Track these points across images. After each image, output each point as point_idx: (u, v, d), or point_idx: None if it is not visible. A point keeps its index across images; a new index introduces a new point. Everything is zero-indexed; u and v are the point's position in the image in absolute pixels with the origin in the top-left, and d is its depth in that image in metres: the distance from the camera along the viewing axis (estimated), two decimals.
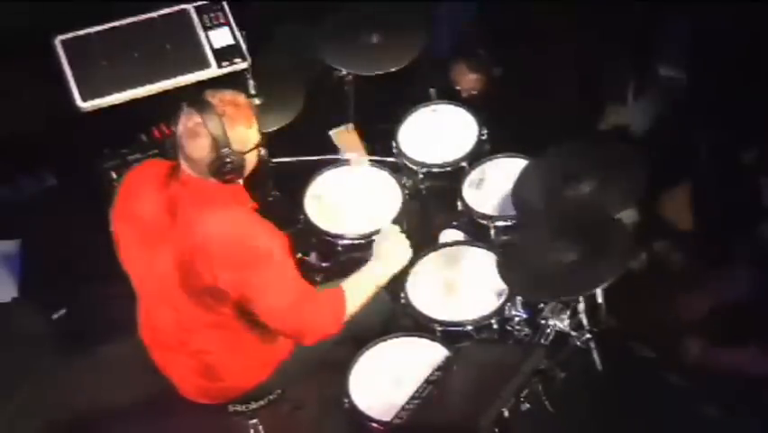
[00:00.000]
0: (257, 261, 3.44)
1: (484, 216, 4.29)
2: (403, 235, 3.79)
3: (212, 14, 4.64)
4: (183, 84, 4.53)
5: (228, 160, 3.41)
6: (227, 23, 4.63)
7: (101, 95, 4.45)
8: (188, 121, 3.43)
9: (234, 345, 3.61)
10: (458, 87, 5.14)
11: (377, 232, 4.22)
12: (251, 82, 4.52)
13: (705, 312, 4.15)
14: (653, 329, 4.33)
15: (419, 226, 4.48)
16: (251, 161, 3.52)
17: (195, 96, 3.46)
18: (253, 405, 3.82)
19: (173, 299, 3.58)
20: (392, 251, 3.76)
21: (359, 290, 3.65)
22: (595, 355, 4.13)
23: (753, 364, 3.95)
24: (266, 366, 3.73)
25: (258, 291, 3.46)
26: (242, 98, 3.50)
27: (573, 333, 4.04)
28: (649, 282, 4.47)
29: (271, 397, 3.83)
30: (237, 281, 3.45)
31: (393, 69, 4.56)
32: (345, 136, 4.89)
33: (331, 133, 4.93)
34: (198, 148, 3.42)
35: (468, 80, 5.14)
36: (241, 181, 3.55)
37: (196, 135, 3.41)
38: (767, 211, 4.06)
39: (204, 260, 3.45)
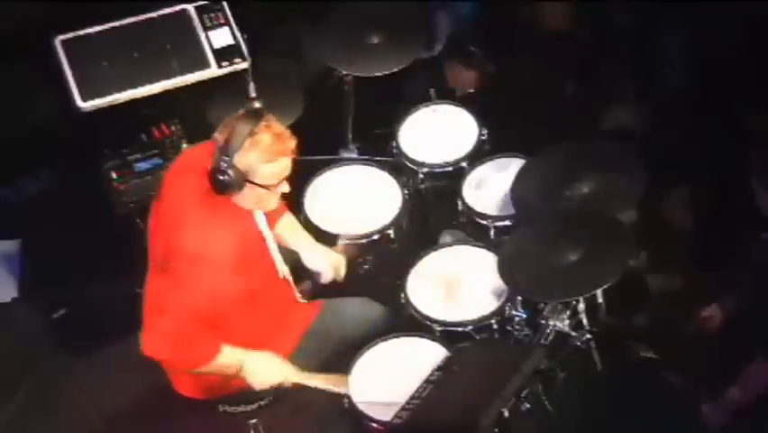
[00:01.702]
0: (182, 269, 3.46)
1: (484, 216, 4.29)
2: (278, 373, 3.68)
3: (212, 14, 4.64)
4: (183, 84, 4.53)
5: (222, 169, 3.41)
6: (227, 23, 4.64)
7: (101, 95, 4.46)
8: (230, 118, 3.46)
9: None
10: (453, 86, 5.14)
11: (377, 231, 4.24)
12: (252, 84, 4.51)
13: (712, 322, 4.14)
14: (653, 330, 4.34)
15: (419, 226, 4.48)
16: (255, 193, 3.49)
17: (252, 107, 3.53)
18: (243, 408, 3.83)
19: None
20: (265, 372, 3.65)
21: (227, 359, 3.59)
22: (595, 355, 4.13)
23: (761, 376, 3.92)
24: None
25: (170, 284, 3.49)
26: (289, 140, 3.47)
27: (573, 333, 4.05)
28: (649, 282, 4.47)
29: (262, 402, 3.83)
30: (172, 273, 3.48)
31: (393, 70, 4.55)
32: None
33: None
34: (216, 142, 3.45)
35: (463, 78, 5.13)
36: (241, 203, 3.53)
37: (223, 129, 3.44)
38: (759, 212, 4.06)
39: (172, 252, 3.49)
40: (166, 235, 3.54)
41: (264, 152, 3.43)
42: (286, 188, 3.58)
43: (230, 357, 3.60)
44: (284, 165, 3.49)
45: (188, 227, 3.48)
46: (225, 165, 3.41)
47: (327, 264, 3.90)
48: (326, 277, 3.92)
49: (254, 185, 3.46)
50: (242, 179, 3.44)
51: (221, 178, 3.42)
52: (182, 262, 3.46)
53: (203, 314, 3.50)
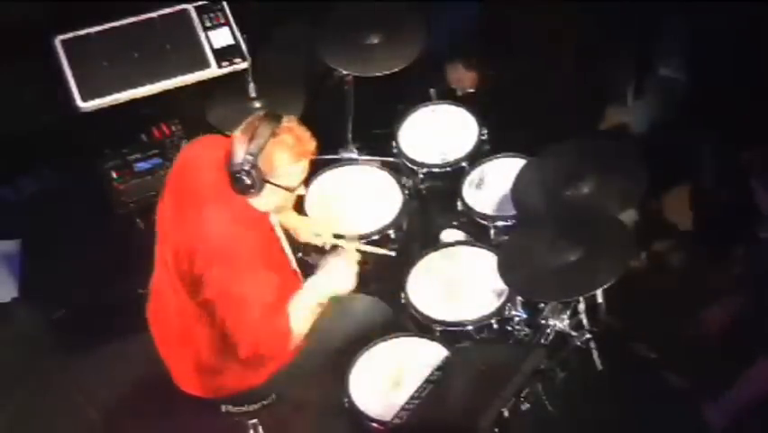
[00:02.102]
0: (236, 267, 3.43)
1: (484, 216, 4.29)
2: (356, 263, 3.69)
3: (212, 14, 4.64)
4: (183, 84, 4.53)
5: (244, 169, 3.40)
6: (227, 23, 4.64)
7: (101, 95, 4.45)
8: (253, 118, 3.46)
9: (227, 344, 3.61)
10: (454, 86, 5.14)
11: (377, 231, 4.24)
12: (252, 85, 4.51)
13: (714, 322, 4.14)
14: (653, 330, 4.34)
15: (419, 226, 4.48)
16: (275, 195, 3.49)
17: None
18: (246, 408, 3.82)
19: (175, 288, 3.59)
20: (341, 272, 3.65)
21: (303, 309, 3.57)
22: (595, 355, 4.13)
23: (762, 376, 3.91)
24: (260, 372, 3.72)
25: (225, 295, 3.45)
26: (310, 142, 3.49)
27: (573, 333, 4.04)
28: (649, 282, 4.47)
29: (265, 402, 3.83)
30: (212, 280, 3.44)
31: (393, 70, 4.55)
32: None
33: None
34: (237, 141, 3.44)
35: (464, 78, 5.13)
36: (259, 206, 3.52)
37: (246, 131, 3.43)
38: (759, 211, 4.06)
39: (193, 252, 3.46)
40: (187, 241, 3.49)
41: (287, 154, 3.44)
42: (303, 190, 3.58)
43: (300, 309, 3.56)
44: (304, 167, 3.51)
45: (212, 229, 3.45)
46: (249, 165, 3.41)
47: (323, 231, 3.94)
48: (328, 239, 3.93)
49: (274, 186, 3.47)
50: (263, 180, 3.44)
51: (243, 178, 3.42)
52: (217, 270, 3.43)
53: (262, 304, 3.47)
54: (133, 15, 4.61)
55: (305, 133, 3.49)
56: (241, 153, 3.42)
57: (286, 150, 3.44)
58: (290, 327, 3.53)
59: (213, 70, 4.56)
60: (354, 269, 3.66)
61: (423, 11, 4.87)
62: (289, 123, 3.46)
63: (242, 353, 3.51)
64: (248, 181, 3.43)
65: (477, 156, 4.47)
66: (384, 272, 4.28)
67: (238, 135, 3.46)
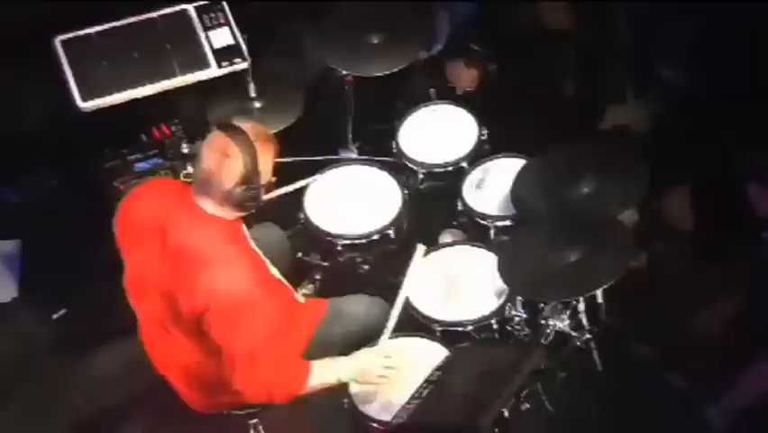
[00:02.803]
0: (239, 312, 3.42)
1: (484, 216, 4.29)
2: (390, 365, 3.70)
3: (212, 14, 4.64)
4: (183, 84, 4.53)
5: (254, 187, 3.41)
6: (227, 23, 4.63)
7: (101, 95, 4.45)
8: (218, 139, 3.41)
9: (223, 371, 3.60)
10: (454, 85, 5.14)
11: (377, 231, 4.24)
12: (252, 85, 4.51)
13: (714, 322, 4.14)
14: (653, 330, 4.34)
15: (419, 226, 4.48)
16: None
17: (223, 121, 3.45)
18: (248, 409, 3.83)
19: (166, 325, 3.59)
20: (371, 370, 3.68)
21: (322, 377, 3.61)
22: (595, 355, 4.13)
23: (763, 376, 3.91)
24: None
25: (229, 339, 3.44)
26: (267, 130, 3.51)
27: (573, 333, 4.05)
28: (650, 282, 4.47)
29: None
30: (215, 325, 3.43)
31: (393, 70, 4.55)
32: None
33: None
34: (229, 173, 3.40)
35: (464, 77, 5.14)
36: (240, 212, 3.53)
37: (225, 153, 3.39)
38: (759, 211, 4.06)
39: (190, 299, 3.44)
40: (183, 282, 3.46)
41: (268, 151, 3.46)
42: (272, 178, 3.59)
43: (321, 372, 3.61)
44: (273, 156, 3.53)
45: (208, 276, 3.41)
46: (258, 179, 3.41)
47: None
48: None
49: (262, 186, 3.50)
50: (262, 186, 3.46)
51: (251, 193, 3.42)
52: (227, 312, 3.42)
53: (274, 343, 3.48)
54: (133, 15, 4.61)
55: (259, 125, 3.49)
56: (236, 174, 3.39)
57: (266, 149, 3.45)
58: (306, 381, 3.56)
59: (213, 70, 4.56)
60: (383, 373, 3.68)
61: (423, 11, 4.87)
62: (246, 125, 3.44)
63: (246, 397, 3.54)
64: (253, 198, 3.44)
65: (477, 156, 4.47)
66: (384, 272, 4.29)
67: (223, 168, 3.39)
